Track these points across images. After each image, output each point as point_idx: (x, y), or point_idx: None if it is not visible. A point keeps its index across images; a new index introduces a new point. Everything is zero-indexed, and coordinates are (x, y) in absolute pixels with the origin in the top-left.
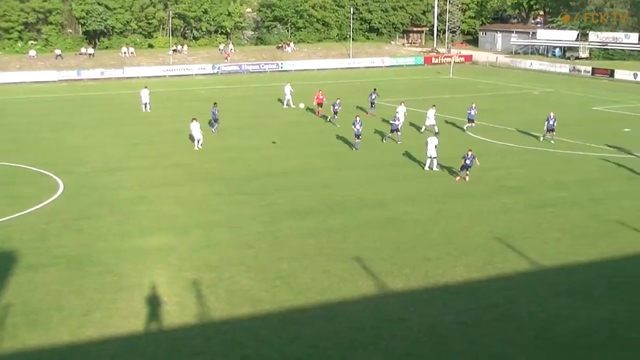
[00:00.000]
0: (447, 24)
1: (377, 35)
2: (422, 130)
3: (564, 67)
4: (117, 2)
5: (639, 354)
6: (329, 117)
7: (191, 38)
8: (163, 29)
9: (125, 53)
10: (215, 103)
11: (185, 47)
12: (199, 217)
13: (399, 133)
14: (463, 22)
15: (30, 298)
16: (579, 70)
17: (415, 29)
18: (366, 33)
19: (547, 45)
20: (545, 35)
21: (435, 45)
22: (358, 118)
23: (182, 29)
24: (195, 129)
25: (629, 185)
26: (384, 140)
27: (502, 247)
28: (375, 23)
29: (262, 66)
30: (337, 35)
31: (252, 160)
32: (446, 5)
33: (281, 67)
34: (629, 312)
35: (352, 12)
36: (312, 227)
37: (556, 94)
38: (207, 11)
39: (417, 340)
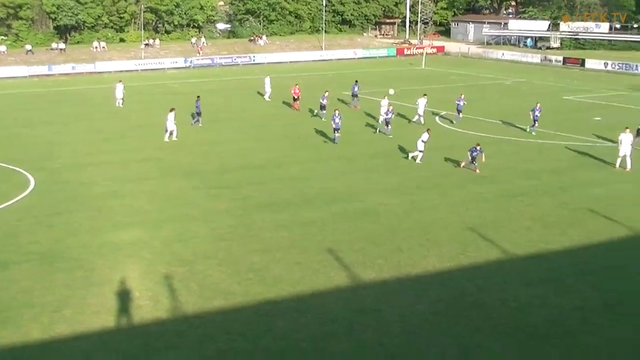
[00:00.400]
0: (419, 15)
1: (349, 27)
2: (416, 119)
3: (535, 57)
4: None
5: (611, 340)
6: (315, 111)
7: (163, 32)
8: (135, 23)
9: (96, 48)
10: (198, 97)
11: (157, 41)
12: (171, 211)
13: (388, 127)
14: (435, 13)
15: (1, 296)
16: (550, 60)
17: (387, 20)
18: (339, 25)
19: (519, 36)
20: (517, 26)
21: (407, 37)
22: (337, 112)
23: (153, 23)
24: (170, 119)
25: (598, 174)
26: (376, 132)
27: (474, 236)
28: (347, 15)
29: (235, 59)
30: (310, 27)
31: (226, 153)
32: None
33: (254, 60)
34: (600, 299)
35: (324, 5)
36: (286, 220)
37: (528, 83)
38: (179, 4)
39: (389, 330)
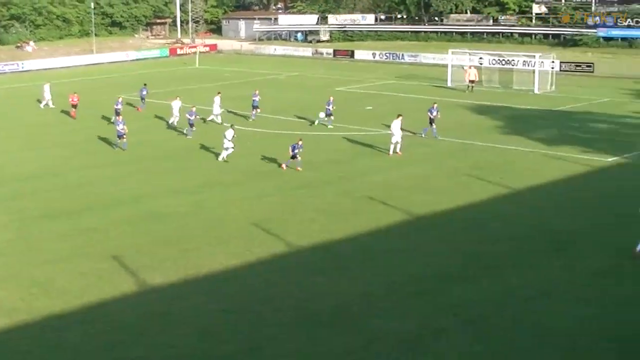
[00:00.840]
0: (190, 14)
1: (120, 29)
2: (210, 118)
3: (307, 51)
4: None
5: (395, 322)
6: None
7: None
8: None
9: None
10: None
11: None
12: None
13: (193, 128)
14: (206, 12)
15: None
16: (321, 53)
17: (158, 21)
18: (109, 28)
19: (290, 31)
20: (287, 21)
21: (179, 36)
22: (120, 118)
23: None
24: None
25: (375, 161)
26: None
27: (259, 232)
28: (117, 17)
29: (2, 67)
30: (79, 31)
31: None
32: None
33: (22, 68)
34: (384, 284)
35: (92, 7)
36: (67, 229)
37: (301, 77)
38: None
39: (180, 332)
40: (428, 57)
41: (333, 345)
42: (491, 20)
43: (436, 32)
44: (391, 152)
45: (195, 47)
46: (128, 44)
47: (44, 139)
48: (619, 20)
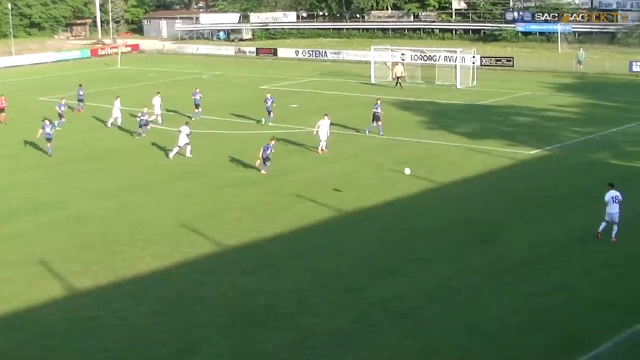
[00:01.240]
0: (110, 14)
1: (39, 30)
2: (153, 118)
3: (229, 50)
4: None
5: (327, 318)
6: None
7: None
8: None
9: None
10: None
11: None
12: None
13: (148, 127)
14: (126, 12)
15: None
16: (244, 52)
17: (78, 21)
18: (27, 29)
19: (212, 29)
20: (209, 20)
21: (100, 37)
22: (47, 121)
23: None
24: None
25: (301, 159)
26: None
27: (187, 232)
28: (36, 18)
29: None
30: None
31: None
32: None
33: None
34: (314, 280)
35: (10, 8)
36: None
37: (224, 76)
38: None
39: (112, 336)
40: (351, 54)
41: (266, 344)
42: (412, 17)
43: (358, 29)
44: (320, 149)
45: (116, 47)
46: (48, 45)
47: None
48: (536, 15)
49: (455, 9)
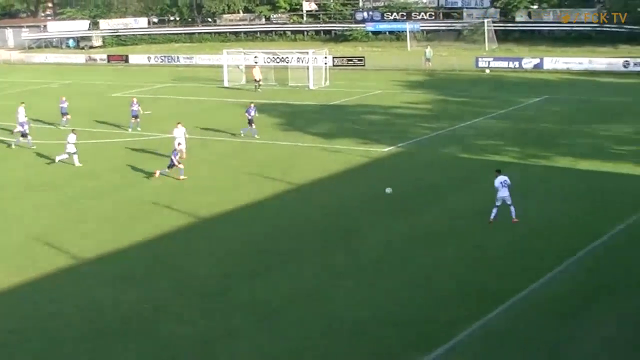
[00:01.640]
0: None
1: None
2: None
3: (80, 58)
4: None
5: (188, 325)
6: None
7: None
8: None
9: None
10: None
11: None
12: None
13: (29, 137)
14: None
15: None
16: (95, 60)
17: None
18: None
19: (60, 37)
20: (57, 27)
21: None
22: None
23: None
24: None
25: (157, 166)
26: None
27: (41, 246)
28: None
29: None
30: None
31: None
32: None
33: None
34: (173, 288)
35: None
36: None
37: (75, 85)
38: None
39: None
40: (203, 58)
41: (128, 355)
42: (263, 19)
43: (210, 33)
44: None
45: None
46: None
47: None
48: (385, 15)
49: (306, 11)
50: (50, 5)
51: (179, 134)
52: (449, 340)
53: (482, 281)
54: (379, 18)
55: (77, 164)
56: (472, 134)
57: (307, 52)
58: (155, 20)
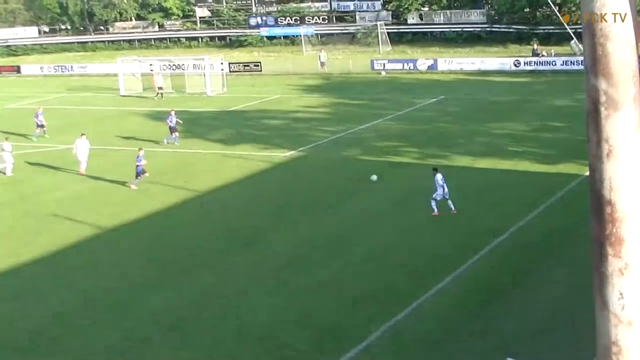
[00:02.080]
0: None
1: None
2: None
3: None
4: None
5: (95, 338)
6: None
7: None
8: None
9: None
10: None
11: None
12: None
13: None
14: None
15: None
16: None
17: None
18: None
19: None
20: None
21: None
22: None
23: None
24: None
25: (55, 178)
26: None
27: None
28: None
29: None
30: None
31: None
32: None
33: None
34: (79, 301)
35: None
36: None
37: None
38: None
39: None
40: (98, 67)
41: None
42: (157, 26)
43: (103, 41)
44: (82, 171)
45: None
46: None
47: None
48: (279, 20)
49: (200, 17)
50: None
51: (82, 145)
52: (361, 340)
53: (391, 281)
54: (273, 23)
55: (8, 173)
56: (371, 136)
57: (203, 59)
58: (46, 29)
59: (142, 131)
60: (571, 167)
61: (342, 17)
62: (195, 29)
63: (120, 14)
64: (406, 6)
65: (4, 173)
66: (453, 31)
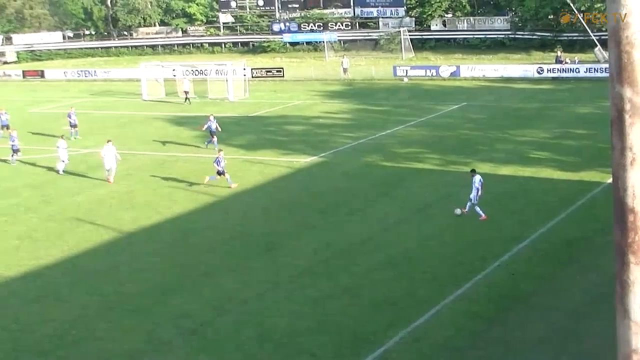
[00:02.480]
0: None
1: None
2: None
3: None
4: None
5: (116, 341)
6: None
7: None
8: None
9: None
10: None
11: None
12: None
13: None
14: None
15: None
16: (9, 75)
17: None
18: None
19: None
20: None
21: None
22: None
23: None
24: None
25: (77, 182)
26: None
27: None
28: None
29: None
30: None
31: None
32: None
33: None
34: (100, 304)
35: None
36: None
37: None
38: None
39: None
40: (121, 72)
41: None
42: (180, 32)
43: (127, 46)
44: (110, 179)
45: None
46: None
47: None
48: (302, 26)
49: (223, 23)
50: None
51: (108, 152)
52: (380, 346)
53: (410, 288)
54: (296, 29)
55: (61, 172)
56: (393, 142)
57: (226, 64)
58: (71, 34)
59: (164, 136)
60: (593, 174)
61: (365, 23)
62: (218, 35)
63: (144, 20)
64: (429, 13)
65: (58, 171)
66: (476, 38)
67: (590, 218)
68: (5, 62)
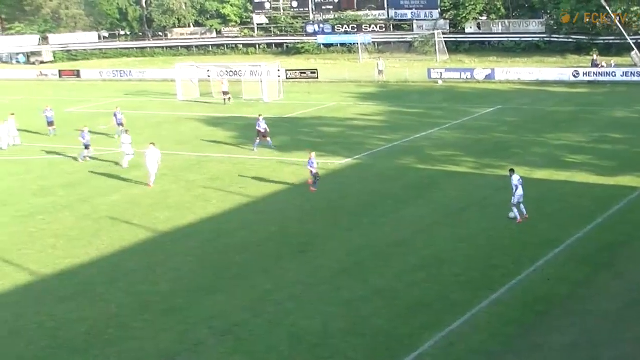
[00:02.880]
0: None
1: None
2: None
3: (30, 73)
4: None
5: (151, 341)
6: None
7: None
8: None
9: None
10: None
11: None
12: None
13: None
14: None
15: None
16: (46, 75)
17: None
18: None
19: (10, 53)
20: (6, 43)
21: None
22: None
23: None
24: None
25: (112, 181)
26: None
27: None
28: None
29: None
30: None
31: None
32: None
33: None
34: (134, 303)
35: None
36: None
37: (27, 100)
38: None
39: None
40: (156, 73)
41: None
42: (215, 33)
43: (162, 47)
44: (150, 183)
45: None
46: None
47: None
48: (336, 27)
49: (257, 24)
50: None
51: (152, 155)
52: (414, 349)
53: (445, 291)
54: (330, 30)
55: (125, 165)
56: (427, 144)
57: (260, 65)
58: (106, 35)
59: (199, 136)
60: (630, 179)
61: (400, 25)
62: (252, 36)
63: (179, 20)
64: (464, 15)
65: (122, 165)
66: (511, 41)
67: (626, 223)
68: (42, 62)
